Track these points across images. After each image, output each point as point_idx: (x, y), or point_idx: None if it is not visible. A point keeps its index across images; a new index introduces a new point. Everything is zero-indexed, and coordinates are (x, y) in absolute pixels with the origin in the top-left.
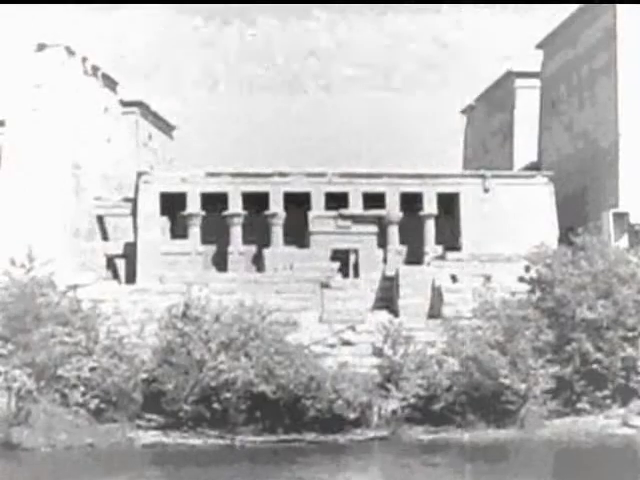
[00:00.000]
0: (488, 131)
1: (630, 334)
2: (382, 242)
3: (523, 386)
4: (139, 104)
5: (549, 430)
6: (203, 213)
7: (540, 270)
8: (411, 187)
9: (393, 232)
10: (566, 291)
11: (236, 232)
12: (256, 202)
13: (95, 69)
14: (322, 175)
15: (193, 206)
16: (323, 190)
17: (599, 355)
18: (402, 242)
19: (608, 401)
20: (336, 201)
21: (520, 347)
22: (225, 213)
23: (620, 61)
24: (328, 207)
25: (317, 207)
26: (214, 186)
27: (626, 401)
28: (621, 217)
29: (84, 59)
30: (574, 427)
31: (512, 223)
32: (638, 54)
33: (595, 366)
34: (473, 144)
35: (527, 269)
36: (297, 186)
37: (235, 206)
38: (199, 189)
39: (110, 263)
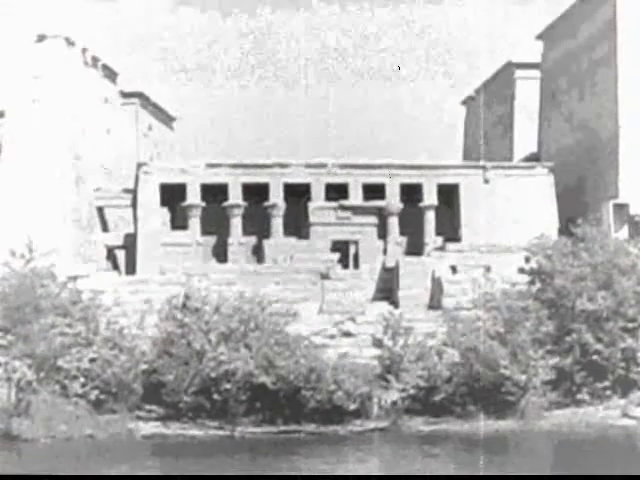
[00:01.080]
0: (488, 122)
1: (630, 325)
2: (382, 233)
3: (523, 377)
4: (139, 95)
5: (549, 421)
6: (203, 204)
7: (540, 261)
8: (411, 178)
9: (393, 223)
10: (566, 282)
11: (236, 223)
12: (256, 193)
13: (95, 60)
14: (322, 166)
15: (193, 197)
16: (323, 181)
17: (599, 346)
18: (402, 233)
19: (608, 392)
20: (336, 192)
21: (520, 338)
22: (225, 204)
23: (620, 52)
24: (328, 198)
25: (317, 198)
26: (214, 177)
27: (626, 392)
28: (621, 208)
29: (84, 50)
30: (574, 418)
31: (512, 214)
32: (638, 45)
33: (595, 357)
34: (473, 135)
35: (527, 260)
36: (297, 177)
37: (235, 197)
38: (199, 180)
39: (110, 254)
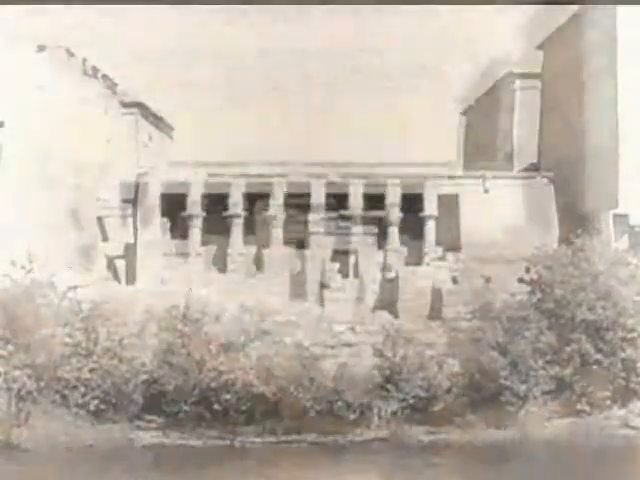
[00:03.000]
0: (488, 132)
1: (630, 335)
2: (382, 243)
3: (523, 387)
4: (139, 105)
5: (549, 431)
6: (203, 214)
7: (540, 271)
8: (411, 188)
9: (393, 233)
10: (566, 292)
11: (236, 233)
12: (256, 203)
13: (95, 70)
14: (322, 176)
15: (193, 207)
16: (323, 191)
17: (599, 356)
18: (402, 243)
19: (608, 402)
20: (336, 202)
21: (520, 348)
22: (225, 214)
23: (620, 62)
24: (328, 208)
25: (317, 208)
26: (214, 187)
27: (626, 402)
28: (621, 218)
29: (84, 60)
30: (574, 428)
31: (512, 224)
32: (638, 55)
33: (595, 367)
34: (473, 145)
35: (527, 270)
36: (297, 187)
37: (235, 207)
38: (199, 190)
39: (110, 264)
